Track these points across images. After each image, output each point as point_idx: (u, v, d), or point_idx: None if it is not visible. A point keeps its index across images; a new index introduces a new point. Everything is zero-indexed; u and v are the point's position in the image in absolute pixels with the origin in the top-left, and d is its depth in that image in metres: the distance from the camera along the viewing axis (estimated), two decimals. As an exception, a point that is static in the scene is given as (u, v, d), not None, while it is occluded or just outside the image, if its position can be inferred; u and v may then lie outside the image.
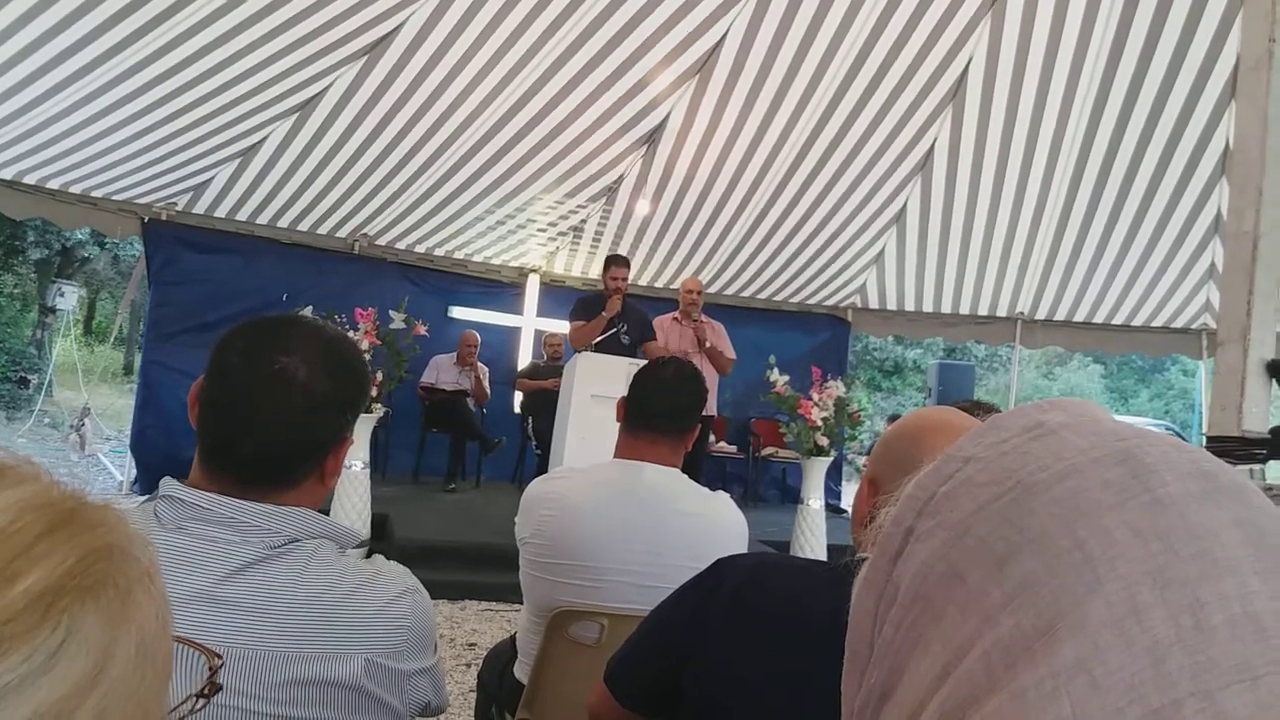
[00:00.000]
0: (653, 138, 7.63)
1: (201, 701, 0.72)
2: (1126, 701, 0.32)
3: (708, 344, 6.40)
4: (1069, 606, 0.35)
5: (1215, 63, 6.30)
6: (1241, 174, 2.80)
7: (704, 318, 6.57)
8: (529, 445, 8.01)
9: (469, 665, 4.08)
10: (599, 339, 5.93)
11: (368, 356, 5.00)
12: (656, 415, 2.06)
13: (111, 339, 20.20)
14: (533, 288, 9.21)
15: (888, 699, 0.42)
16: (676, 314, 6.65)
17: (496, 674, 2.23)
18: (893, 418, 12.61)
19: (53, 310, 15.23)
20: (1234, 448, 2.39)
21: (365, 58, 6.38)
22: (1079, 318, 9.04)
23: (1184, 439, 0.49)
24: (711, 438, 8.07)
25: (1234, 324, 2.65)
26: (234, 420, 1.12)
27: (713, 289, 8.98)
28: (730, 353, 6.65)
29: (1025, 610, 0.36)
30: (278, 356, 1.12)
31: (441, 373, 8.07)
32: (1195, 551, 0.35)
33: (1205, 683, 0.32)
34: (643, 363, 2.45)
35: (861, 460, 12.55)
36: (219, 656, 0.78)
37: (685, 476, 2.06)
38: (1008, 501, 0.40)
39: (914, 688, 0.40)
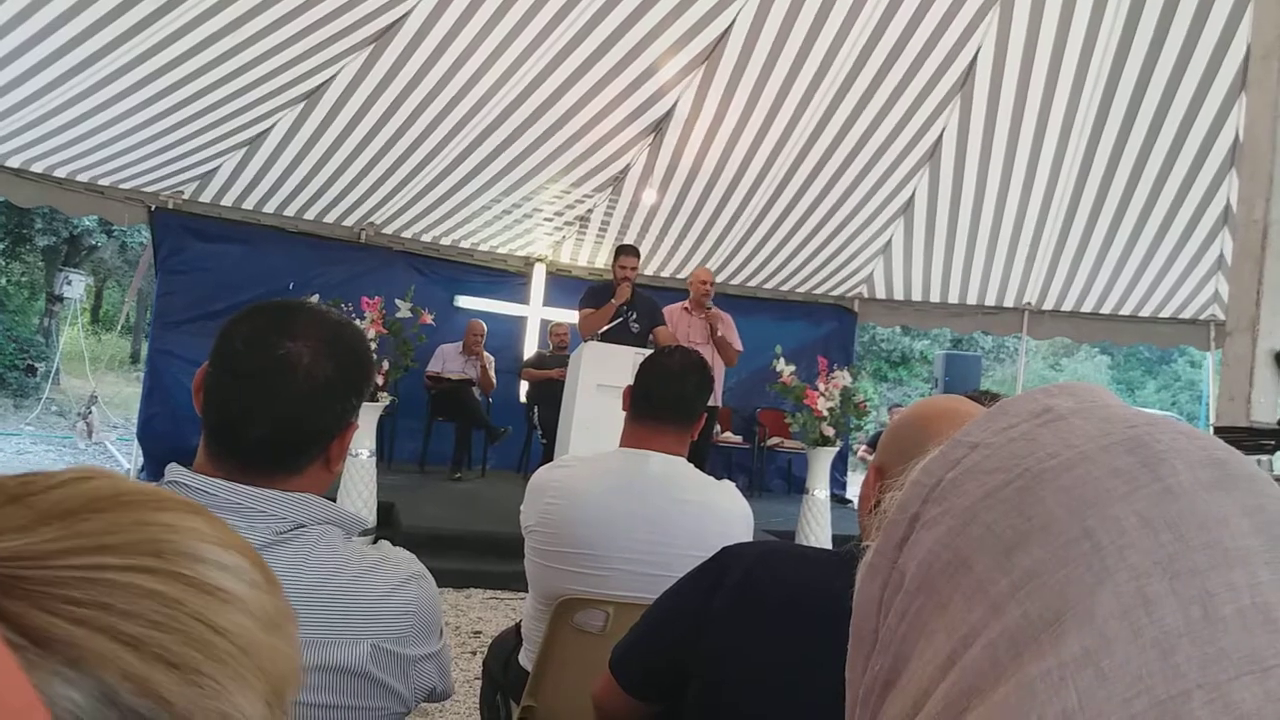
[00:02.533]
0: (659, 127, 7.61)
1: None
2: (1134, 693, 0.31)
3: (718, 334, 6.38)
4: (1077, 597, 0.34)
5: (1226, 51, 6.26)
6: (1252, 163, 2.78)
7: (713, 307, 6.56)
8: (534, 434, 8.03)
9: (474, 653, 4.09)
10: (607, 327, 5.93)
11: (374, 345, 5.01)
12: (662, 404, 2.05)
13: (118, 327, 20.26)
14: (539, 277, 9.20)
15: (892, 686, 0.42)
16: (686, 304, 6.62)
17: (501, 662, 2.24)
18: (894, 407, 12.59)
19: (60, 298, 15.27)
20: (1242, 438, 2.38)
21: (372, 46, 6.37)
22: (1086, 308, 9.01)
23: (1193, 428, 0.49)
24: (717, 428, 8.07)
25: (1243, 313, 2.64)
26: (239, 406, 1.12)
27: (719, 279, 8.96)
28: (738, 345, 6.63)
29: (1032, 600, 0.36)
30: (282, 342, 1.13)
31: (447, 362, 8.08)
32: (1205, 541, 0.35)
33: (1214, 674, 0.31)
34: (649, 352, 2.45)
35: (860, 449, 12.52)
36: None
37: (691, 465, 2.06)
38: (1016, 489, 0.39)
39: (919, 676, 0.39)
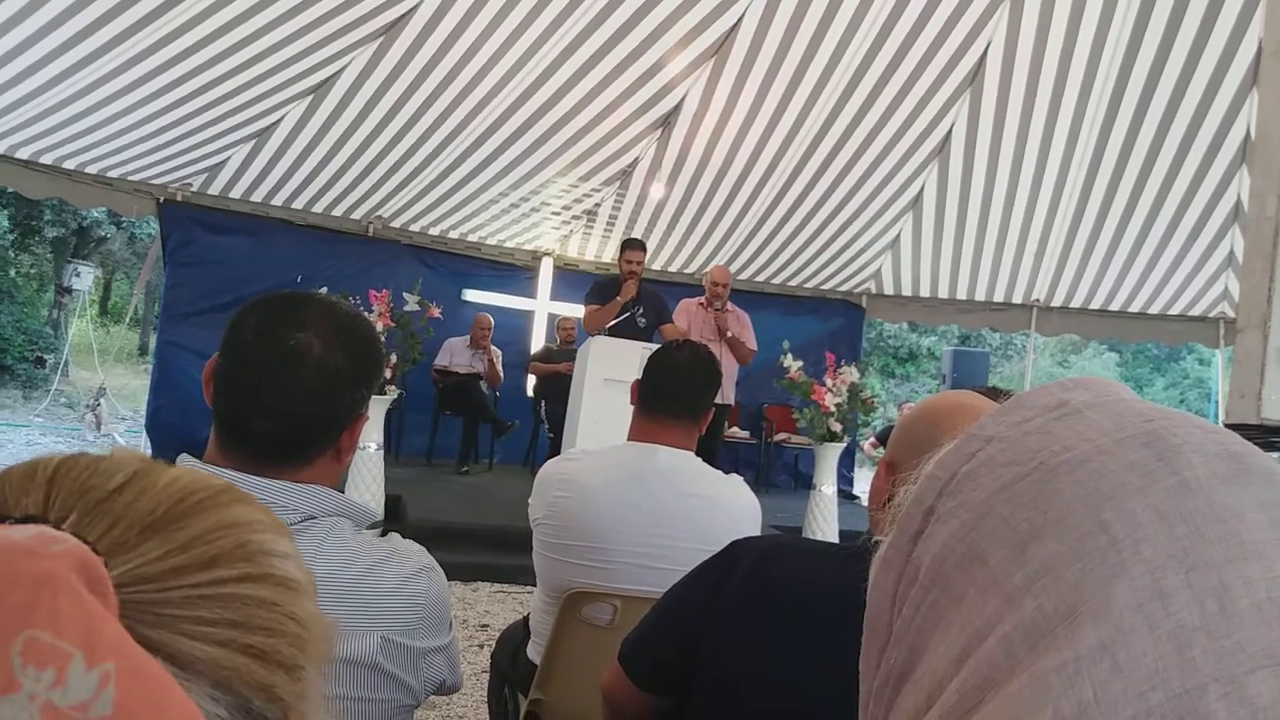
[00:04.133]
0: (668, 121, 7.60)
1: None
2: (1149, 686, 0.31)
3: (729, 333, 6.34)
4: (1093, 590, 0.34)
5: (1237, 47, 6.22)
6: (1263, 159, 2.77)
7: (731, 306, 6.51)
8: (541, 428, 8.03)
9: (482, 646, 4.10)
10: (613, 322, 5.92)
11: (382, 339, 5.01)
12: (670, 398, 2.05)
13: (127, 319, 20.30)
14: (546, 271, 9.20)
15: (906, 679, 0.42)
16: (702, 299, 6.58)
17: (510, 655, 2.24)
18: (902, 404, 12.56)
19: (69, 290, 15.31)
20: (1253, 436, 2.37)
21: (380, 39, 6.37)
22: (1095, 305, 8.97)
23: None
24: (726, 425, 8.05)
25: (1254, 310, 2.63)
26: (249, 397, 1.13)
27: (727, 274, 8.95)
28: (752, 344, 6.57)
29: (1048, 593, 0.36)
30: (292, 333, 1.12)
31: (455, 355, 8.08)
32: (1221, 535, 0.35)
33: (1229, 667, 0.31)
34: (657, 346, 2.45)
35: (867, 444, 12.47)
36: None
37: (699, 459, 2.06)
38: (1031, 482, 0.39)
39: (933, 669, 0.40)
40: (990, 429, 0.44)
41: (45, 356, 14.66)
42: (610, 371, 5.22)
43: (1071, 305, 9.02)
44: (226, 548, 0.43)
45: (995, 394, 1.36)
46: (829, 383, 6.06)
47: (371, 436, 5.46)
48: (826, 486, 6.13)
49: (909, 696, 0.41)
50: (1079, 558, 0.36)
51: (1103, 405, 0.42)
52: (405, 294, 5.63)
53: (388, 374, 5.38)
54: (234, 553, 0.43)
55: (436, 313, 5.75)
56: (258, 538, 0.45)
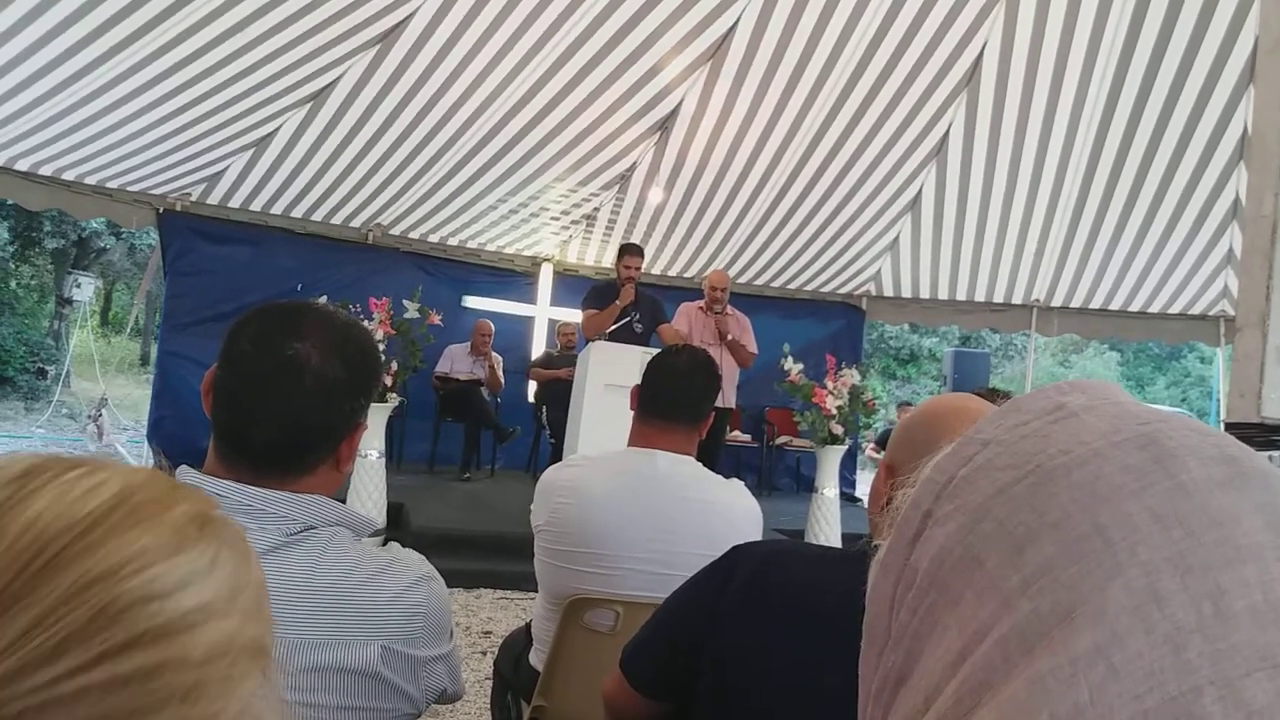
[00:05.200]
0: (665, 125, 7.61)
1: None
2: (1145, 689, 0.31)
3: (730, 337, 6.34)
4: (1089, 592, 0.34)
5: (1234, 44, 6.23)
6: (1260, 157, 2.77)
7: (731, 309, 6.51)
8: (543, 434, 8.03)
9: (485, 653, 4.10)
10: (612, 328, 5.92)
11: (382, 346, 5.02)
12: (670, 403, 2.05)
13: (128, 330, 20.32)
14: (546, 277, 9.21)
15: (904, 682, 0.42)
16: (702, 303, 6.57)
17: (512, 661, 2.24)
18: (902, 405, 12.54)
19: (69, 301, 15.34)
20: (1253, 434, 2.37)
21: (377, 47, 6.38)
22: (1095, 305, 8.97)
23: (1204, 423, 0.49)
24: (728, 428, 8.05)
25: (1253, 308, 2.63)
26: (248, 408, 1.13)
27: (726, 277, 8.96)
28: (752, 347, 6.57)
29: (1044, 596, 0.36)
30: (290, 343, 1.13)
31: (456, 362, 8.09)
32: (1217, 538, 0.35)
33: (1225, 670, 0.31)
34: (657, 351, 2.45)
35: (869, 447, 12.47)
36: None
37: (699, 464, 2.06)
38: (1027, 486, 0.39)
39: (931, 671, 0.40)
40: (987, 432, 0.44)
41: (46, 368, 14.68)
42: (611, 377, 5.22)
43: (1071, 305, 9.02)
44: (81, 620, 0.37)
45: (994, 396, 1.36)
46: (830, 385, 6.06)
47: (373, 444, 5.46)
48: (828, 489, 6.13)
49: (907, 699, 0.41)
50: (1075, 560, 0.36)
51: (1099, 408, 0.42)
52: (405, 301, 5.63)
53: (388, 381, 5.38)
54: (91, 626, 0.37)
55: (437, 320, 5.75)
56: (131, 585, 0.39)
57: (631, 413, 2.12)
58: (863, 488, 9.91)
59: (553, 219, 8.63)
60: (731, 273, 9.13)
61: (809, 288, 9.59)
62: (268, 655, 0.46)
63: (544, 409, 7.94)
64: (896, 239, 8.69)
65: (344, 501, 4.85)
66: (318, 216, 8.10)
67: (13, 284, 17.13)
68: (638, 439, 2.08)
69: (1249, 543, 0.35)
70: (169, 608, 0.40)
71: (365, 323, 5.05)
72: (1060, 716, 0.32)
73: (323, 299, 5.42)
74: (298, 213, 8.02)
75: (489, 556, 5.34)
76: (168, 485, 0.47)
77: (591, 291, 6.30)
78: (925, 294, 9.41)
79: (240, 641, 0.43)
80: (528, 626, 2.25)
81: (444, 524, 5.74)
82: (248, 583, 0.46)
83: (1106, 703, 0.32)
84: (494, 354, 8.28)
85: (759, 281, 9.48)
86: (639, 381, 2.11)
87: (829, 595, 1.17)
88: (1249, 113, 6.39)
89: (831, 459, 6.17)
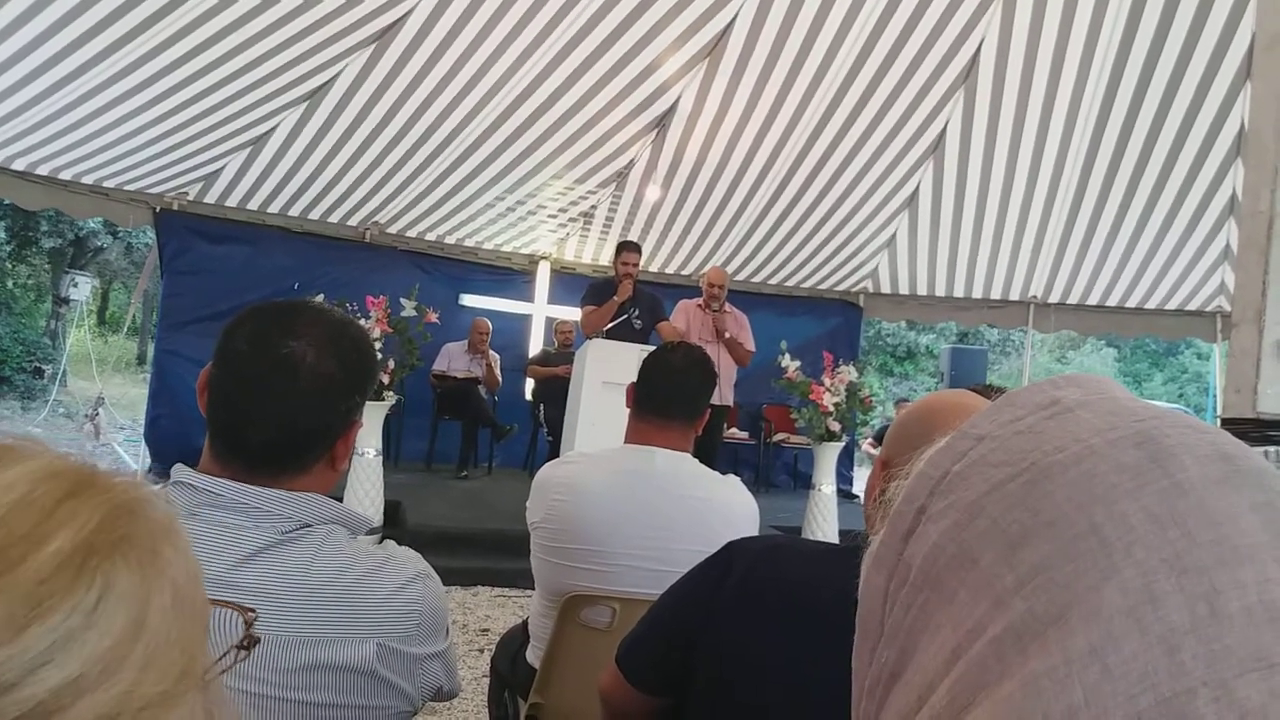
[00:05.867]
0: (663, 122, 7.60)
1: (243, 653, 0.72)
2: (1139, 689, 0.31)
3: (727, 334, 6.32)
4: (1083, 592, 0.34)
5: (1231, 40, 6.23)
6: (1257, 153, 2.77)
7: (729, 307, 6.49)
8: (540, 432, 8.04)
9: (482, 651, 4.10)
10: (610, 325, 5.92)
11: (379, 345, 5.01)
12: (666, 400, 2.05)
13: (125, 329, 20.29)
14: (543, 275, 9.21)
15: (898, 679, 0.42)
16: (700, 301, 6.56)
17: (509, 659, 2.24)
18: (900, 402, 12.55)
19: (66, 300, 15.31)
20: (1249, 430, 2.37)
21: (374, 45, 6.37)
22: (1092, 301, 8.97)
23: (1200, 420, 0.48)
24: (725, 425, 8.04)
25: (1249, 305, 2.63)
26: (243, 407, 1.13)
27: (723, 274, 8.96)
28: (750, 345, 6.54)
29: (1038, 595, 0.35)
30: (285, 341, 1.13)
31: (453, 360, 8.08)
32: (1213, 538, 0.34)
33: (1219, 671, 0.31)
34: (654, 348, 2.45)
35: (866, 444, 12.47)
36: (252, 610, 0.79)
37: (695, 461, 2.06)
38: (1022, 483, 0.39)
39: (924, 669, 0.39)
40: (982, 427, 0.43)
41: (43, 367, 14.65)
42: (609, 374, 5.22)
43: (1069, 301, 9.03)
44: None
45: (991, 392, 1.36)
46: (827, 382, 6.07)
47: (370, 442, 5.46)
48: (826, 486, 6.14)
49: (900, 696, 0.41)
50: (1070, 560, 0.35)
51: (1094, 404, 0.42)
52: (402, 300, 5.63)
53: (385, 379, 5.38)
54: None
55: (434, 318, 5.75)
56: None
57: (628, 410, 2.12)
58: (860, 484, 9.91)
59: (550, 217, 8.63)
60: (729, 270, 9.12)
61: (806, 285, 9.59)
62: (196, 675, 0.41)
63: (541, 407, 7.95)
64: (894, 236, 8.69)
65: (341, 499, 4.84)
66: (314, 215, 8.10)
67: (9, 283, 17.11)
68: (634, 436, 2.07)
69: (1246, 544, 0.34)
70: (24, 696, 0.34)
71: (362, 321, 5.05)
72: (1054, 717, 0.32)
73: (320, 297, 5.43)
74: (294, 211, 8.01)
75: (486, 554, 5.34)
76: (51, 501, 0.40)
77: (590, 289, 6.29)
78: (922, 291, 9.41)
79: (141, 694, 0.37)
80: (525, 624, 2.25)
81: (441, 522, 5.74)
82: (154, 609, 0.40)
83: (1101, 704, 0.31)
84: (491, 352, 8.27)
85: (756, 279, 9.48)
86: (635, 379, 2.11)
87: (825, 591, 1.17)
88: (1245, 109, 6.38)
89: (829, 456, 6.17)
